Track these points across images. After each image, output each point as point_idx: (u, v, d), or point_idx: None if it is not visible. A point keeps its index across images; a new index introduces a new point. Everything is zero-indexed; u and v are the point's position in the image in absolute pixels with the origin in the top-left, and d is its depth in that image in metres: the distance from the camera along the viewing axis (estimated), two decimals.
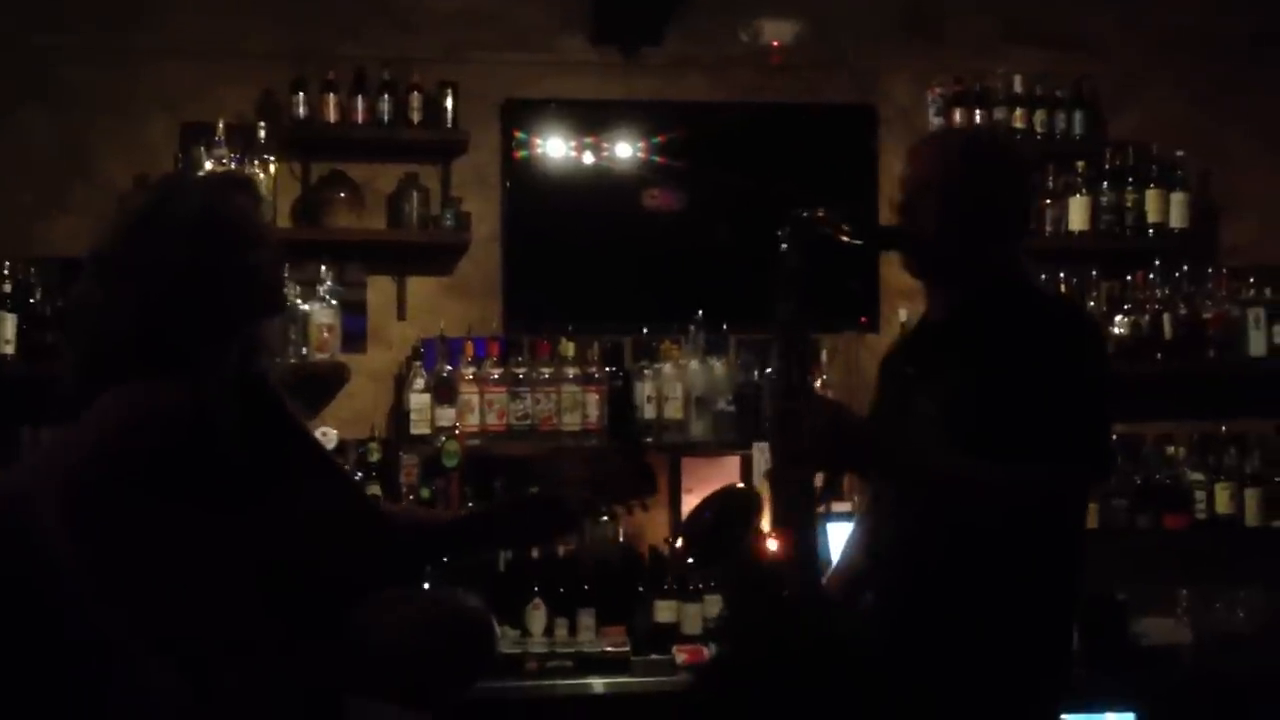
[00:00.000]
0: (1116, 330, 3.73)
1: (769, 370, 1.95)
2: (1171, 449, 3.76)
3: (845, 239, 1.95)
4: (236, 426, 1.73)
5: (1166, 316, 3.72)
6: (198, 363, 1.75)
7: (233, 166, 3.44)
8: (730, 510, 1.95)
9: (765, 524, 1.92)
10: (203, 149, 3.44)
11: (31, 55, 3.55)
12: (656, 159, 3.78)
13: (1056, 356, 1.90)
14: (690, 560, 2.00)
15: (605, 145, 3.75)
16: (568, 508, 1.92)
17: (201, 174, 3.10)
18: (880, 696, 1.62)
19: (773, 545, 1.89)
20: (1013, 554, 1.91)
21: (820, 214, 1.93)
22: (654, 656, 3.30)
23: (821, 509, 1.98)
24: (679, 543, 2.15)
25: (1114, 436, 2.01)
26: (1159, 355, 3.71)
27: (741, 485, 1.92)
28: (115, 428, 1.69)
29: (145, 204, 1.85)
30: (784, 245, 1.92)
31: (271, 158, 3.50)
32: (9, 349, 3.33)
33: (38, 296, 3.39)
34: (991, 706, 1.91)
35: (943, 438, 1.90)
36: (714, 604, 3.34)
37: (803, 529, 1.90)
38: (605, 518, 2.20)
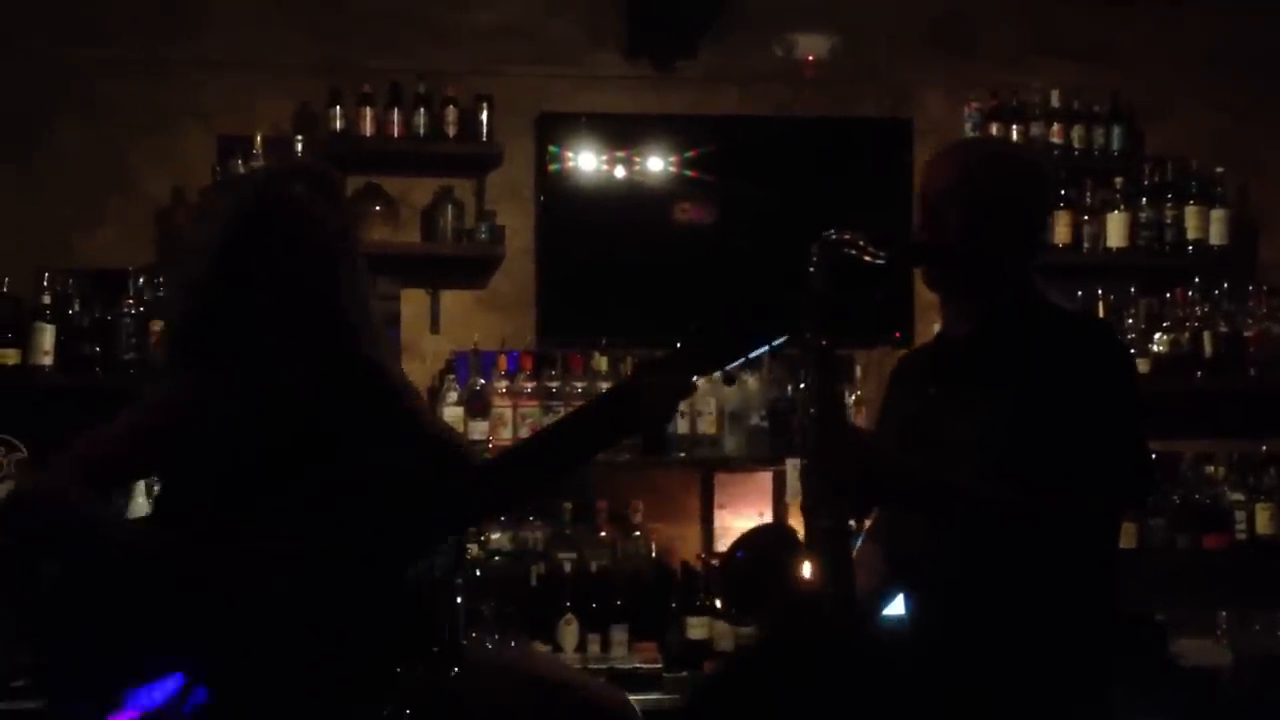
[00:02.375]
0: (1156, 348, 3.69)
1: (802, 385, 1.91)
2: (1211, 468, 3.72)
3: (870, 259, 1.93)
4: (289, 410, 1.79)
5: (1206, 334, 3.68)
6: (269, 348, 1.81)
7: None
8: (764, 551, 1.92)
9: (802, 562, 1.88)
10: (240, 162, 3.46)
11: (69, 69, 3.58)
12: (689, 173, 3.77)
13: (1091, 377, 1.87)
14: (730, 607, 1.96)
15: (638, 159, 3.75)
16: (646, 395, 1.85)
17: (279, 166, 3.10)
18: None
19: (810, 581, 1.86)
20: (1052, 578, 1.88)
21: (846, 235, 1.90)
22: (686, 673, 3.28)
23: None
24: (717, 589, 2.12)
25: (1153, 455, 1.95)
26: (1198, 373, 3.67)
27: (774, 524, 1.88)
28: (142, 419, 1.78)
29: (208, 204, 1.92)
30: (811, 269, 1.89)
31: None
32: (48, 360, 3.35)
33: (76, 308, 3.42)
34: None
35: (974, 461, 1.87)
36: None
37: (840, 567, 1.86)
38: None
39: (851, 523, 1.89)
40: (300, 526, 1.76)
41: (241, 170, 3.43)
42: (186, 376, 1.84)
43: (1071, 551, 1.89)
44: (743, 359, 1.94)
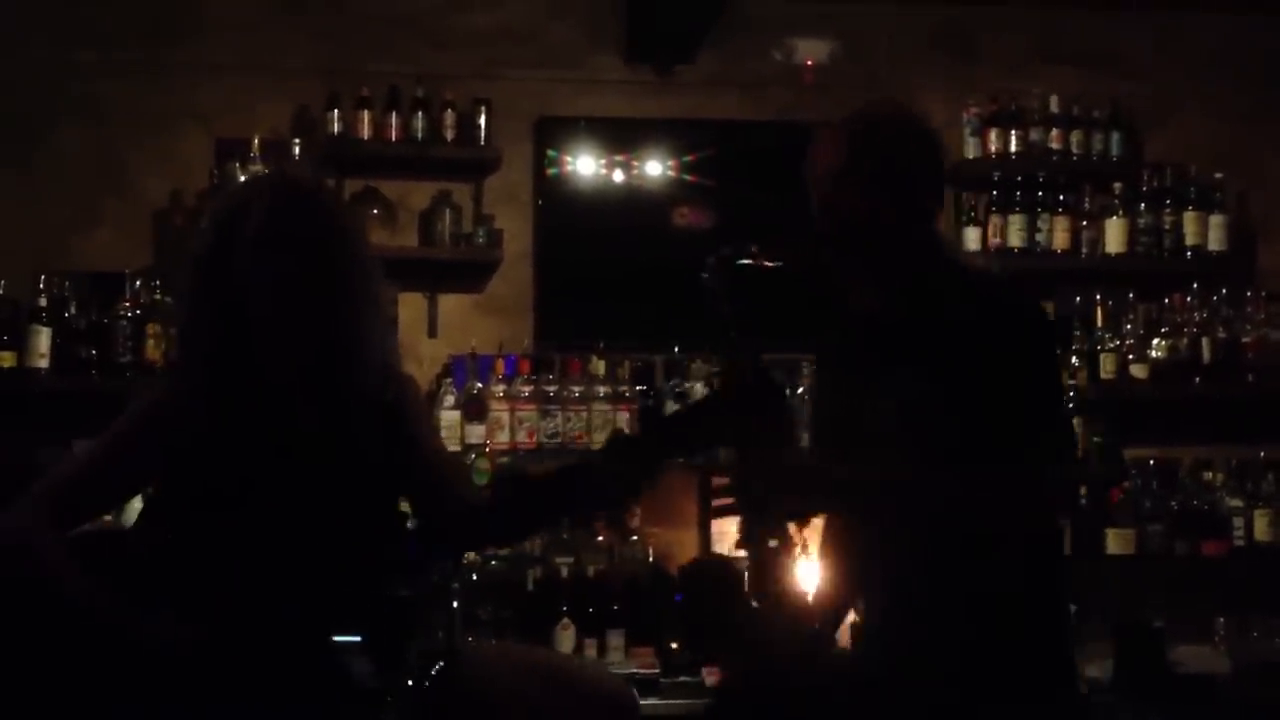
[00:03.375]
0: (1154, 354, 3.69)
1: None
2: (1209, 474, 3.71)
3: (769, 264, 1.91)
4: (251, 428, 1.77)
5: (1205, 340, 3.68)
6: (246, 358, 1.80)
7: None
8: (700, 586, 1.90)
9: (742, 589, 1.86)
10: (237, 164, 3.46)
11: (68, 71, 3.58)
12: (688, 177, 3.77)
13: (1015, 349, 1.82)
14: (677, 644, 1.95)
15: (637, 163, 3.75)
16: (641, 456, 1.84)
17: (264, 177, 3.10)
18: None
19: (756, 605, 1.85)
20: (1000, 566, 1.84)
21: (735, 249, 1.87)
22: (683, 678, 3.27)
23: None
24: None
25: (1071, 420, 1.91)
26: (1197, 379, 3.67)
27: (709, 558, 1.84)
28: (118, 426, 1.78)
29: (221, 211, 1.88)
30: (708, 291, 1.86)
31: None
32: (44, 362, 3.34)
33: (72, 310, 3.41)
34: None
35: (902, 442, 1.83)
36: None
37: (782, 584, 1.85)
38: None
39: (793, 534, 1.87)
40: (280, 539, 1.74)
41: (240, 175, 3.43)
42: (170, 383, 1.82)
43: (1014, 530, 1.84)
44: (714, 447, 1.89)
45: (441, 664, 1.84)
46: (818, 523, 2.00)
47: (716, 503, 1.87)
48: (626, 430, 3.46)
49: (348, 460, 1.80)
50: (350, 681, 1.80)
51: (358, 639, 1.82)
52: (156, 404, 1.82)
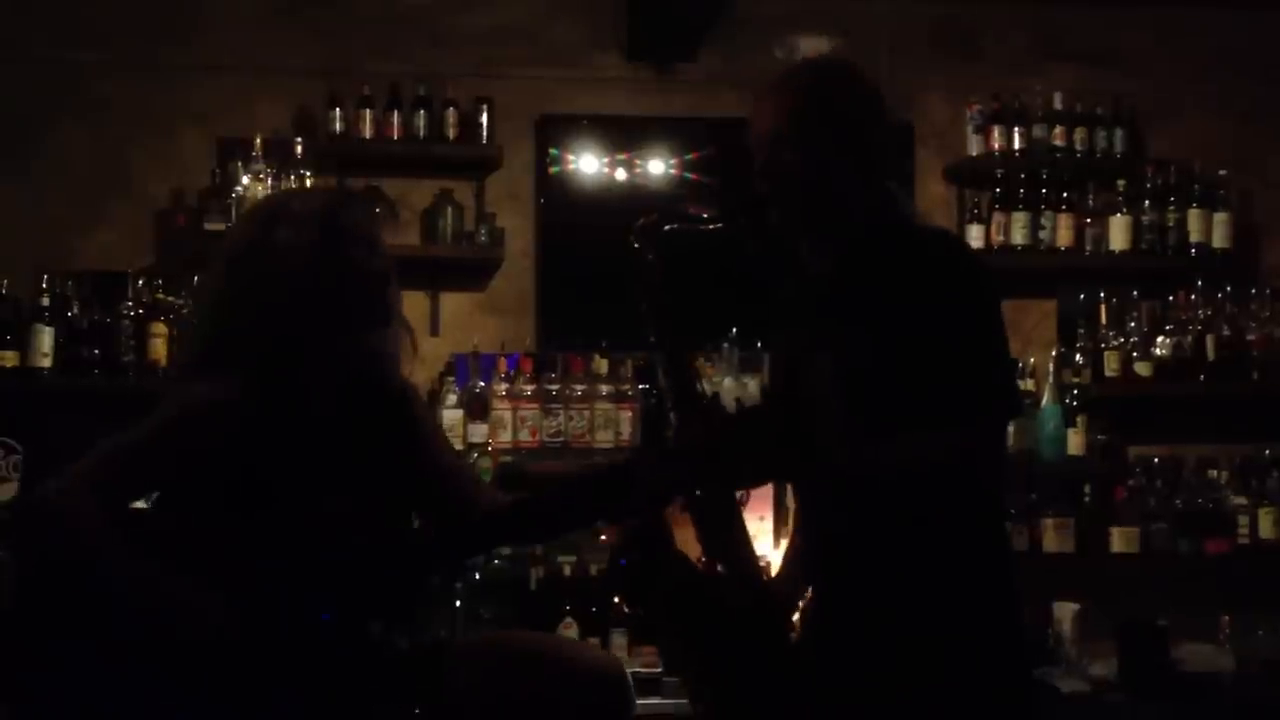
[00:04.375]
0: (1158, 351, 3.68)
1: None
2: (1214, 472, 3.70)
3: (706, 227, 1.88)
4: (293, 425, 1.79)
5: (1209, 338, 3.66)
6: (294, 365, 1.83)
7: (269, 182, 3.45)
8: (633, 550, 1.88)
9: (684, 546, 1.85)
10: (240, 164, 3.46)
11: (70, 71, 3.58)
12: (690, 175, 3.76)
13: (948, 304, 1.78)
14: (630, 609, 1.95)
15: (638, 162, 3.74)
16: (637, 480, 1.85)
17: (328, 188, 3.15)
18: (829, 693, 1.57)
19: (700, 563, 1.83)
20: (940, 527, 1.80)
21: (655, 217, 1.84)
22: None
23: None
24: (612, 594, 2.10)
25: (1014, 375, 1.86)
26: (1201, 377, 3.66)
27: (640, 524, 1.83)
28: (156, 425, 1.79)
29: (267, 211, 1.93)
30: (636, 261, 1.84)
31: (307, 173, 3.50)
32: (47, 362, 3.34)
33: (75, 310, 3.41)
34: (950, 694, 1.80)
35: (840, 400, 1.81)
36: None
37: (731, 545, 1.83)
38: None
39: (738, 495, 1.85)
40: (289, 547, 1.76)
41: (242, 175, 3.43)
42: (209, 382, 1.83)
43: (958, 495, 1.80)
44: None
45: (428, 657, 1.85)
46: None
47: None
48: (629, 431, 3.47)
49: (380, 465, 1.82)
50: (381, 675, 1.81)
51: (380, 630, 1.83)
52: (208, 405, 1.81)
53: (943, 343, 1.76)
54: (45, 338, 3.34)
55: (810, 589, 1.93)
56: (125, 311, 3.41)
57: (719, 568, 1.84)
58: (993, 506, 1.91)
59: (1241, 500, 3.64)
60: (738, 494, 1.86)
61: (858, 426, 1.79)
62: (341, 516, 1.79)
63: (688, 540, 1.89)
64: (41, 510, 1.75)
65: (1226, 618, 3.47)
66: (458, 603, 3.30)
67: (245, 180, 3.45)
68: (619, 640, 3.35)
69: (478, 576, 3.36)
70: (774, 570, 2.16)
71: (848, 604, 1.84)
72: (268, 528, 1.77)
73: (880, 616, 1.80)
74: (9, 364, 3.33)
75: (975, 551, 1.83)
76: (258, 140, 3.47)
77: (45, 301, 3.37)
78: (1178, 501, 3.64)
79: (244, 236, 1.92)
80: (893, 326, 1.78)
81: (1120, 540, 3.57)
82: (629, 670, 3.18)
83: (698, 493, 1.84)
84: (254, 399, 1.79)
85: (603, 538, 3.50)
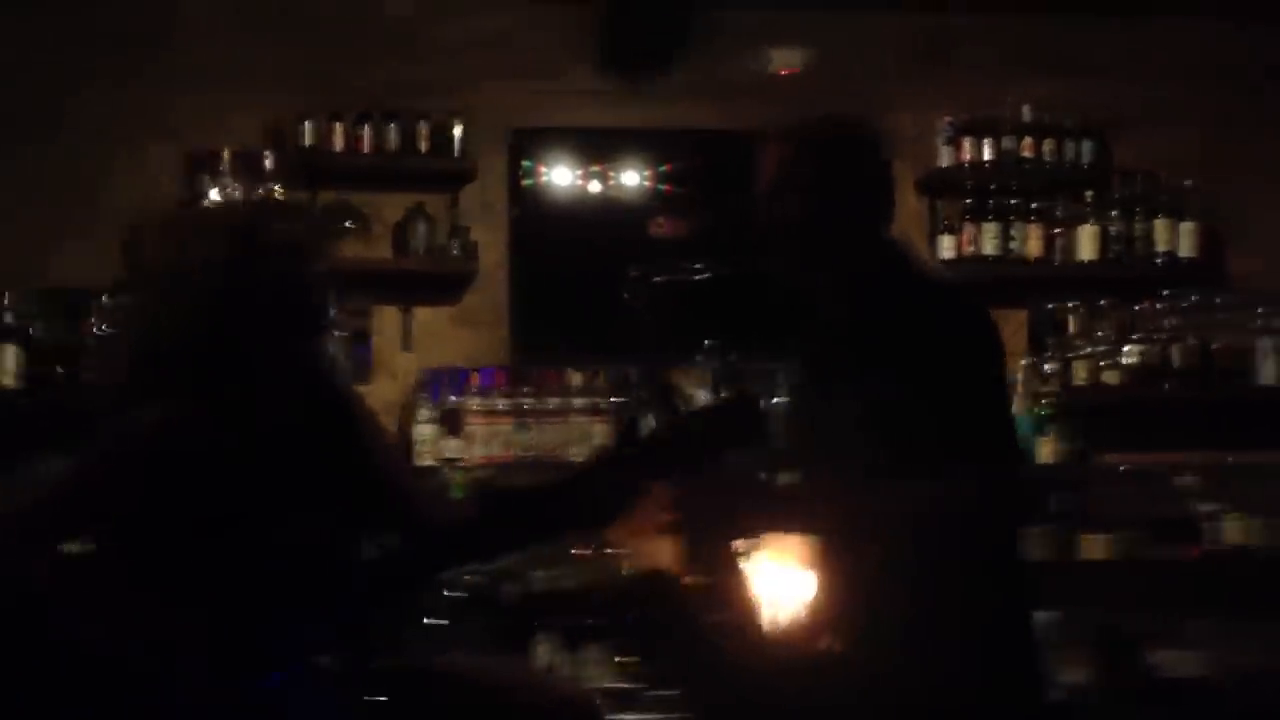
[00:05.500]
0: (1126, 359, 3.71)
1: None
2: (1181, 479, 3.73)
3: (694, 278, 1.90)
4: (247, 441, 1.77)
5: (1176, 346, 3.70)
6: (239, 377, 1.80)
7: (238, 195, 3.42)
8: (648, 607, 1.88)
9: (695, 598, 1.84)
10: (209, 177, 3.42)
11: (36, 84, 3.53)
12: (664, 187, 3.76)
13: (972, 357, 1.82)
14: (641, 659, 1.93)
15: (613, 173, 3.74)
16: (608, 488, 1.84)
17: (251, 199, 3.11)
18: None
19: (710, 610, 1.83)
20: (956, 577, 1.81)
21: (644, 270, 1.88)
22: (664, 691, 3.25)
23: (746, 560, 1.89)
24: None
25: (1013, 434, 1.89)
26: (1168, 385, 3.69)
27: (654, 573, 1.83)
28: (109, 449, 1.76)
29: (194, 225, 1.93)
30: (634, 309, 1.87)
31: (278, 186, 3.47)
32: (10, 380, 3.29)
33: (40, 328, 3.35)
34: None
35: (851, 449, 1.82)
36: None
37: (734, 590, 1.83)
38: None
39: (737, 545, 1.85)
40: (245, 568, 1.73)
41: (211, 188, 3.40)
42: (143, 405, 1.80)
43: (959, 539, 1.81)
44: (703, 466, 1.88)
45: (394, 685, 1.83)
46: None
47: (660, 520, 1.85)
48: (605, 445, 3.47)
49: (333, 476, 1.79)
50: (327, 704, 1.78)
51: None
52: (153, 427, 1.78)
53: (969, 394, 1.80)
54: (10, 356, 3.30)
55: (828, 634, 1.93)
56: (90, 329, 3.36)
57: (723, 614, 1.83)
58: (1012, 555, 1.92)
59: (1209, 507, 3.68)
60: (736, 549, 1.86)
61: (880, 470, 1.80)
62: (295, 533, 1.76)
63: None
64: None
65: (1199, 624, 3.51)
66: (431, 619, 3.28)
67: (213, 193, 3.42)
68: (595, 655, 3.33)
69: (452, 593, 3.33)
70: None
71: (868, 652, 1.84)
72: (217, 551, 1.73)
73: (900, 663, 1.81)
74: None
75: (996, 601, 1.85)
76: (226, 153, 3.44)
77: (9, 319, 3.32)
78: (1149, 509, 3.67)
79: (162, 254, 1.89)
80: (918, 375, 1.79)
81: (1092, 547, 3.59)
82: (605, 685, 3.22)
83: (697, 550, 1.83)
84: (189, 417, 1.76)
85: (576, 551, 3.52)
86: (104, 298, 3.39)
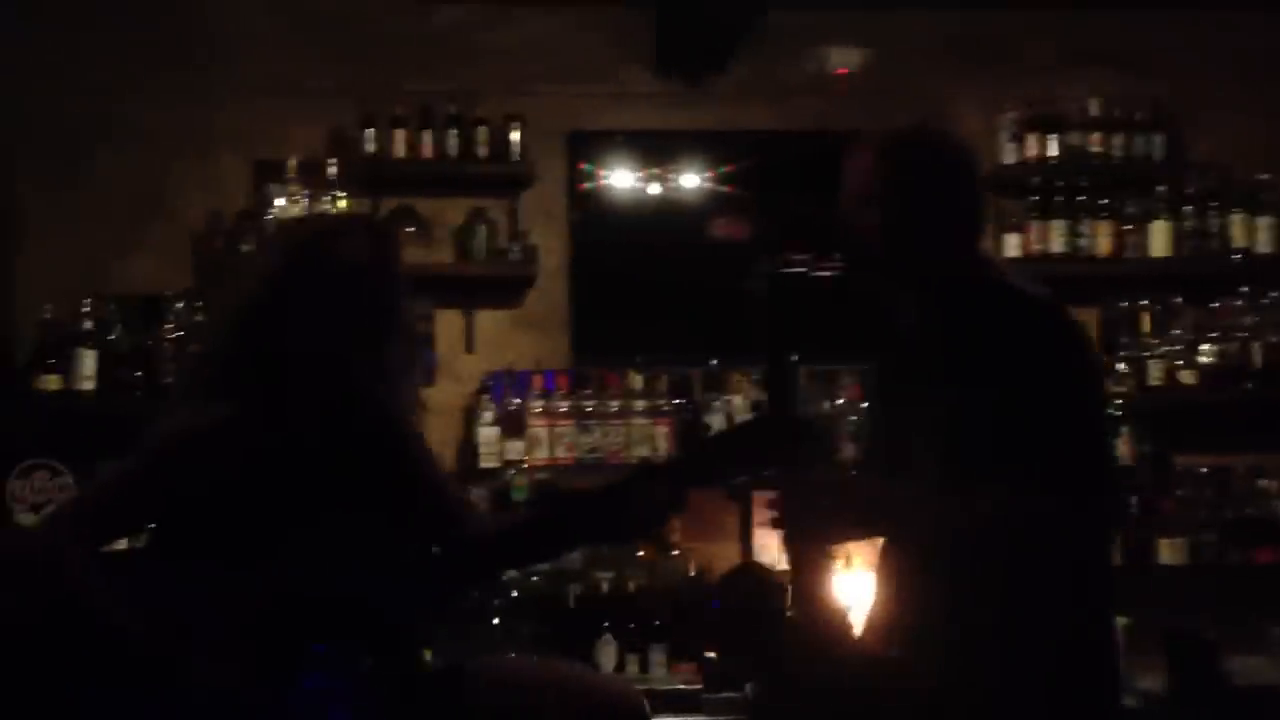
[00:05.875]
0: (1203, 359, 3.61)
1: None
2: (1263, 481, 3.63)
3: (829, 272, 1.88)
4: (290, 449, 1.79)
5: (1255, 344, 3.60)
6: (293, 384, 1.82)
7: (304, 203, 3.49)
8: (740, 597, 1.86)
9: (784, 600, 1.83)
10: (275, 186, 3.49)
11: (108, 96, 3.63)
12: (724, 188, 3.75)
13: (1047, 370, 1.77)
14: (714, 654, 1.92)
15: (671, 176, 3.74)
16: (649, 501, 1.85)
17: (355, 216, 3.15)
18: None
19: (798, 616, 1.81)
20: (1044, 585, 1.78)
21: (774, 264, 1.85)
22: (726, 694, 3.24)
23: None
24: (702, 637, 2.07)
25: (1113, 457, 1.86)
26: (1248, 384, 3.59)
27: (751, 564, 1.82)
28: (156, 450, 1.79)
29: (306, 240, 1.95)
30: (753, 303, 1.86)
31: (342, 194, 3.54)
32: (89, 385, 3.39)
33: (117, 333, 3.45)
34: None
35: (937, 460, 1.80)
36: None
37: (820, 599, 1.82)
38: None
39: (831, 549, 1.85)
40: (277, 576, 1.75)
41: (278, 197, 3.47)
42: (198, 410, 1.83)
43: (1050, 566, 1.79)
44: (743, 477, 1.88)
45: (447, 683, 1.84)
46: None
47: (764, 518, 1.86)
48: (665, 447, 3.47)
49: (374, 484, 1.81)
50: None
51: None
52: (206, 432, 1.81)
53: (1065, 409, 1.77)
54: (88, 361, 3.39)
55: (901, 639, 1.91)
56: (165, 334, 3.45)
57: (809, 615, 1.82)
58: (1099, 563, 1.89)
59: None
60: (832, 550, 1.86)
61: (961, 483, 1.78)
62: (345, 539, 1.78)
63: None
64: (20, 554, 1.75)
65: (1277, 629, 3.40)
66: (495, 620, 3.30)
67: (280, 202, 3.49)
68: (657, 657, 3.33)
69: (515, 594, 3.35)
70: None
71: (943, 659, 1.82)
72: (267, 556, 1.75)
73: (977, 670, 1.79)
74: (53, 387, 3.38)
75: (1079, 610, 1.82)
76: (291, 162, 3.51)
77: (87, 325, 3.42)
78: (1226, 511, 3.57)
79: (259, 265, 1.94)
80: (1012, 389, 1.76)
81: (1168, 552, 3.50)
82: (666, 687, 3.21)
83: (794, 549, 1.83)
84: (250, 421, 1.79)
85: (640, 553, 3.52)
86: (177, 304, 3.48)
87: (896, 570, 1.92)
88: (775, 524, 1.83)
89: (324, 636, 1.74)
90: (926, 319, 1.89)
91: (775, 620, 1.81)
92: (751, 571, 1.88)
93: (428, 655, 1.97)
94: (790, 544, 1.82)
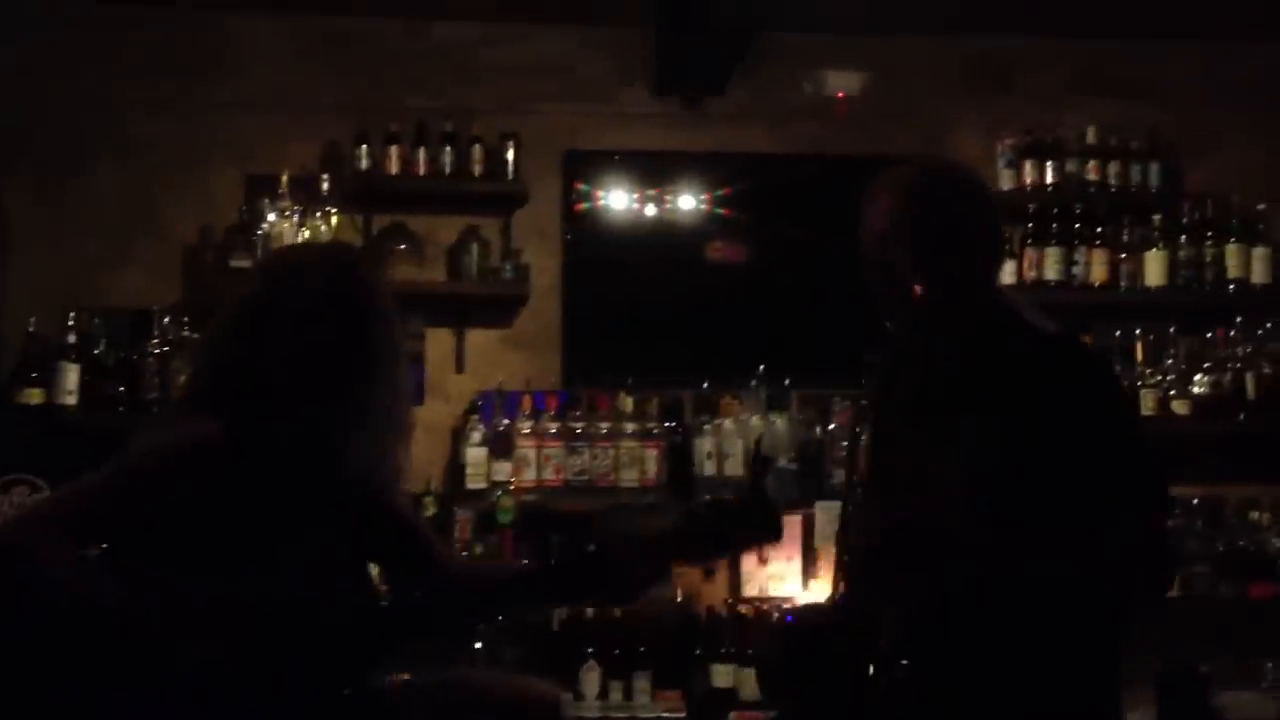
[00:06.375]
0: (1196, 389, 3.60)
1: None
2: (1256, 514, 3.60)
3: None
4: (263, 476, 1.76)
5: (1249, 375, 3.58)
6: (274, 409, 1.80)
7: (295, 219, 3.46)
8: (804, 642, 1.86)
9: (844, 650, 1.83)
10: (267, 201, 3.46)
11: (99, 108, 3.60)
12: (720, 211, 3.73)
13: (1093, 403, 1.78)
14: (773, 699, 1.92)
15: (668, 197, 3.72)
16: (627, 568, 1.86)
17: (337, 247, 3.09)
18: None
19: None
20: (1065, 610, 1.77)
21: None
22: None
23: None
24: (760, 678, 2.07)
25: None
26: (1241, 415, 3.57)
27: (818, 607, 1.85)
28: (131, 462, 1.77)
29: (279, 270, 1.91)
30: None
31: (334, 209, 3.51)
32: (71, 399, 3.35)
33: (102, 347, 3.41)
34: None
35: (970, 498, 1.77)
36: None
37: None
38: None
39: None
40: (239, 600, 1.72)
41: (270, 213, 3.44)
42: (180, 425, 1.81)
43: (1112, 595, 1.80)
44: (727, 556, 1.91)
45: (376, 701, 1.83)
46: None
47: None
48: (654, 470, 3.44)
49: (346, 527, 1.79)
50: None
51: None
52: (183, 446, 1.78)
53: (1107, 442, 1.77)
54: (71, 375, 3.35)
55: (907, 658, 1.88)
56: (151, 349, 3.41)
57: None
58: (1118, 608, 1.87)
59: None
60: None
61: (1003, 521, 1.76)
62: (302, 568, 1.75)
63: None
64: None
65: (1270, 664, 3.37)
66: (478, 644, 3.26)
67: (271, 217, 3.46)
68: (642, 684, 3.30)
69: (499, 618, 3.31)
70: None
71: (950, 679, 1.80)
72: (224, 574, 1.73)
73: (982, 693, 1.78)
74: (35, 401, 3.34)
75: (1092, 636, 1.81)
76: (284, 177, 3.48)
77: (72, 339, 3.38)
78: (1219, 544, 3.54)
79: (254, 287, 1.90)
80: (1047, 428, 1.76)
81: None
82: (654, 715, 3.18)
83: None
84: (229, 442, 1.76)
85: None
86: (164, 318, 3.44)
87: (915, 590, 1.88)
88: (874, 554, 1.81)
89: (259, 658, 1.70)
90: (965, 358, 1.86)
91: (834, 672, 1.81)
92: (816, 613, 1.89)
93: (401, 677, 1.95)
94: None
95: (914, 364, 1.92)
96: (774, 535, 1.88)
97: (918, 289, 1.84)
